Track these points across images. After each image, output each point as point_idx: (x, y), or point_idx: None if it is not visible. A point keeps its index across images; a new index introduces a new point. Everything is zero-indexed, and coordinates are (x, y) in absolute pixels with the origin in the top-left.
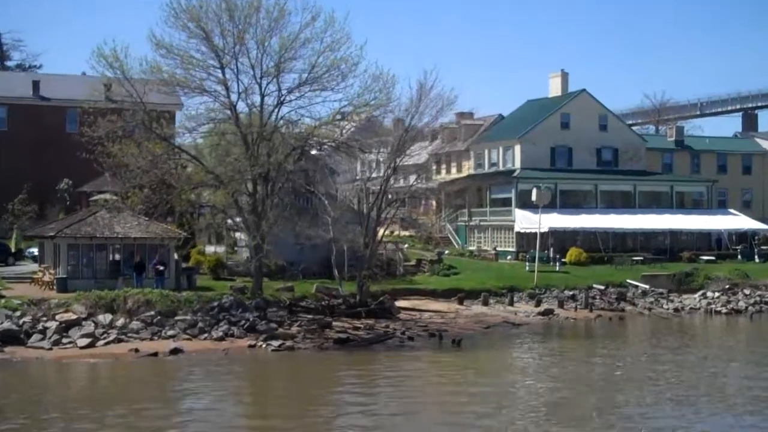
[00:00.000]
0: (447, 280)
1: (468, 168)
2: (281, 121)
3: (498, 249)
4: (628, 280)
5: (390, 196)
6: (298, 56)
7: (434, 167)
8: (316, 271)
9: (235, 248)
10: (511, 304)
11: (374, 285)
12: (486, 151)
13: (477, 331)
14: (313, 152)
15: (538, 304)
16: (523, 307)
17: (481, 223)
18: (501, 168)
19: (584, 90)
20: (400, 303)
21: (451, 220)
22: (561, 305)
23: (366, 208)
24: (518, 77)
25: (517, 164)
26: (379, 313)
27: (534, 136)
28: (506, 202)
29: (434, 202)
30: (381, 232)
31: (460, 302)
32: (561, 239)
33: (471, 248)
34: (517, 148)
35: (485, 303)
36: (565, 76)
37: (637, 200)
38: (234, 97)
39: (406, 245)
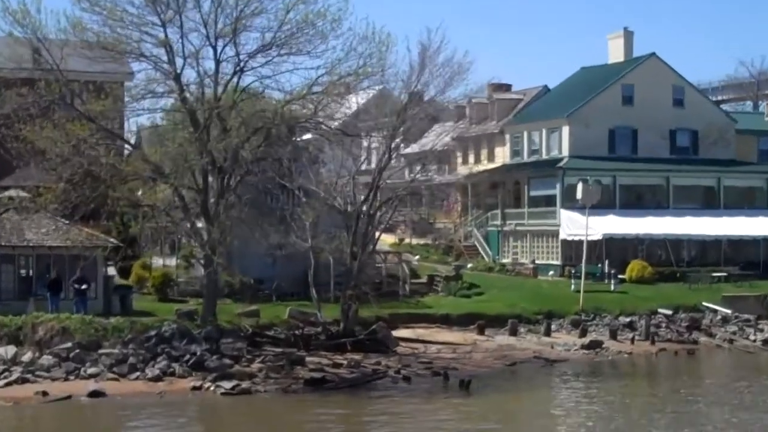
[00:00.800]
0: (466, 303)
1: (502, 156)
2: (243, 95)
3: (538, 262)
4: (705, 303)
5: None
6: (263, 10)
7: (459, 155)
8: (294, 291)
9: (192, 261)
10: (548, 334)
11: (366, 309)
12: (525, 134)
13: (497, 369)
14: (307, 136)
15: (582, 335)
16: (564, 338)
17: (518, 229)
18: (544, 156)
19: (653, 54)
20: (400, 332)
21: (480, 225)
22: (614, 336)
23: (355, 208)
24: (570, 41)
25: (565, 151)
26: (369, 346)
27: (587, 114)
28: (549, 201)
29: (458, 202)
30: (377, 239)
31: (481, 332)
32: (620, 249)
33: (505, 261)
34: (565, 131)
35: (513, 333)
36: (628, 36)
37: (723, 198)
38: (179, 62)
39: (416, 257)
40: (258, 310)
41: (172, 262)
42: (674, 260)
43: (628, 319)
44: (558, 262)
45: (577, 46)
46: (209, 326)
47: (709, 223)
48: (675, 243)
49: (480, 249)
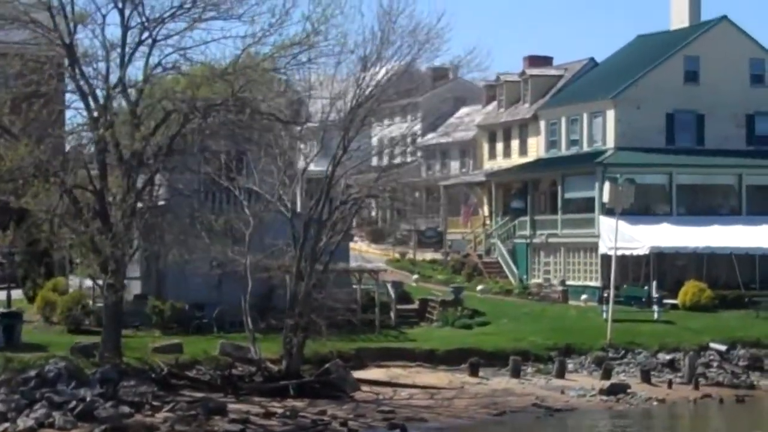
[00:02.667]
0: (463, 335)
1: (536, 148)
2: (158, 70)
3: (571, 283)
4: None
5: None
6: None
7: (486, 147)
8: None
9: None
10: (561, 375)
11: (326, 343)
12: (562, 120)
13: (477, 421)
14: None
15: (605, 376)
16: (582, 381)
17: (550, 241)
18: (585, 148)
19: (725, 17)
20: (369, 373)
21: (505, 236)
22: (646, 377)
23: (305, 214)
24: (625, 3)
25: (609, 141)
26: (320, 390)
27: (638, 94)
28: (587, 206)
29: (472, 206)
30: (331, 252)
31: (473, 372)
32: (675, 267)
33: (537, 281)
34: (610, 115)
35: (515, 373)
36: None
37: None
38: (66, 26)
39: (414, 276)
40: (180, 344)
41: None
42: (741, 281)
43: (669, 357)
44: (597, 284)
45: (635, 10)
46: (107, 365)
47: None
48: (744, 259)
49: (504, 266)
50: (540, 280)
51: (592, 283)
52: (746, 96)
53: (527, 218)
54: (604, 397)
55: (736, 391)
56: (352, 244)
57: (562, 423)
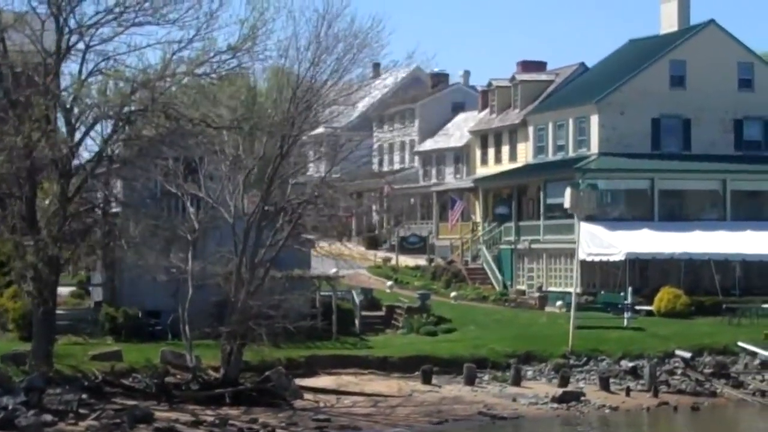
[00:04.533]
0: (424, 342)
1: (525, 153)
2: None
3: (552, 289)
4: (741, 344)
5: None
6: None
7: (478, 152)
8: (202, 326)
9: (88, 289)
10: (517, 382)
11: (261, 351)
12: (550, 126)
13: (416, 430)
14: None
15: (563, 383)
16: (540, 388)
17: (533, 247)
18: (570, 153)
19: (712, 21)
20: (319, 380)
21: (492, 242)
22: (605, 385)
23: (246, 219)
24: (619, 6)
25: (593, 147)
26: (259, 398)
27: (623, 99)
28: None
29: (457, 212)
30: (273, 257)
31: (426, 379)
32: (652, 273)
33: (521, 287)
34: (594, 121)
35: (470, 381)
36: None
37: None
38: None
39: (389, 283)
40: (119, 351)
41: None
42: (720, 287)
43: (632, 364)
44: (577, 290)
45: (632, 15)
46: (36, 372)
47: None
48: (725, 265)
49: (489, 272)
50: (524, 287)
51: (571, 289)
52: (734, 100)
53: (512, 224)
54: (556, 405)
55: (696, 399)
56: (343, 249)
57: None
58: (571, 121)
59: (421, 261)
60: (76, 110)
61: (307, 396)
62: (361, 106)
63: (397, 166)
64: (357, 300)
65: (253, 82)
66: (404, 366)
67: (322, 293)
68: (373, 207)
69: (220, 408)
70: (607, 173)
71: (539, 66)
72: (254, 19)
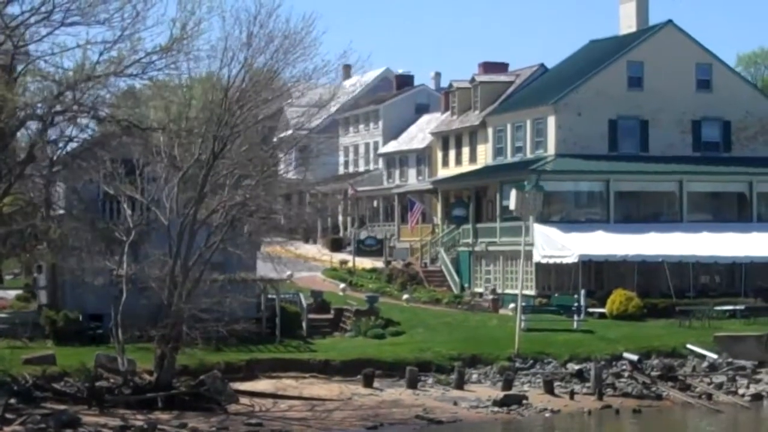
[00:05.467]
0: (370, 345)
1: (485, 154)
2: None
3: (509, 292)
4: (689, 346)
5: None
6: None
7: (439, 154)
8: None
9: (35, 292)
10: (460, 385)
11: (215, 354)
12: (508, 127)
13: None
14: None
15: (507, 386)
16: (483, 391)
17: (490, 249)
18: (528, 155)
19: (670, 22)
20: (258, 384)
21: (451, 244)
22: (549, 388)
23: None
24: (580, 7)
25: (550, 148)
26: (192, 402)
27: (579, 100)
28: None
29: (416, 214)
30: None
31: (368, 383)
32: (608, 275)
33: (479, 290)
34: (551, 122)
35: (412, 384)
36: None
37: (756, 208)
38: None
39: (342, 285)
40: (53, 355)
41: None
42: (674, 289)
43: (578, 367)
44: (532, 292)
45: (592, 14)
46: None
47: (732, 241)
48: (679, 267)
49: (447, 275)
50: (482, 289)
51: (527, 292)
52: (692, 101)
53: (470, 226)
54: (496, 409)
55: (641, 402)
56: (301, 251)
57: None
58: (528, 123)
59: (380, 263)
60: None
61: (244, 400)
62: (332, 108)
63: (362, 168)
64: (304, 303)
65: (186, 82)
66: (346, 369)
67: (270, 296)
68: (339, 209)
69: (151, 412)
70: (561, 175)
71: (501, 67)
72: (185, 19)
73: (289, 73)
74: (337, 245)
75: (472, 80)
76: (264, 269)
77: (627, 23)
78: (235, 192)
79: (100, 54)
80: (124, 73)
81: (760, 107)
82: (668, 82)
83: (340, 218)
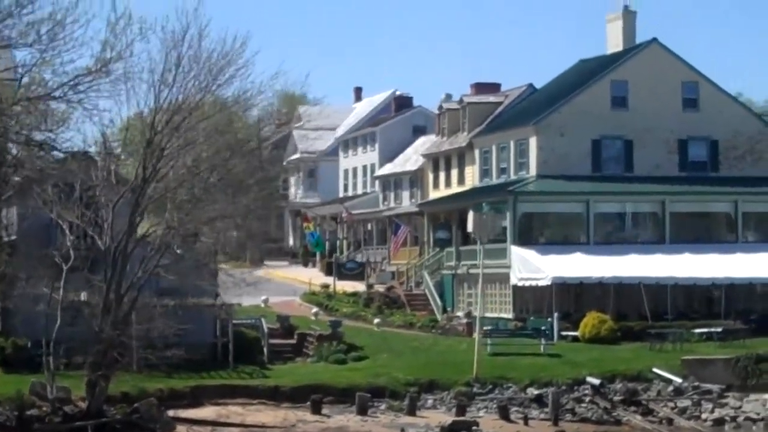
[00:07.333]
0: (329, 371)
1: (472, 176)
2: None
3: (489, 315)
4: (656, 370)
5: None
6: None
7: (430, 176)
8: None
9: None
10: (413, 411)
11: (156, 380)
12: (493, 148)
13: None
14: None
15: (460, 412)
16: (435, 417)
17: (471, 272)
18: (512, 176)
19: (655, 40)
20: (203, 411)
21: (435, 267)
22: (504, 413)
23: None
24: (569, 26)
25: (532, 169)
26: (127, 430)
27: (562, 121)
28: (501, 237)
29: (400, 237)
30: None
31: (316, 409)
32: (586, 298)
33: (460, 314)
34: (532, 143)
35: (362, 410)
36: (629, 18)
37: (741, 228)
38: None
39: (315, 309)
40: None
41: None
42: (652, 312)
43: (537, 392)
44: (510, 315)
45: (578, 33)
46: None
47: (714, 263)
48: (656, 289)
49: (430, 298)
50: (462, 313)
51: (505, 315)
52: (678, 121)
53: (453, 249)
54: None
55: (598, 428)
56: (277, 272)
57: None
58: (512, 144)
59: (363, 287)
60: None
61: (181, 428)
62: (340, 131)
63: (360, 191)
64: (265, 327)
65: (116, 105)
66: (297, 395)
67: (235, 321)
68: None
69: None
70: (540, 196)
71: (493, 88)
72: (113, 41)
73: (222, 93)
74: (331, 269)
75: (461, 101)
76: (236, 293)
77: (614, 42)
78: (163, 218)
79: (21, 76)
80: (50, 96)
81: (749, 126)
82: (654, 101)
83: (337, 242)
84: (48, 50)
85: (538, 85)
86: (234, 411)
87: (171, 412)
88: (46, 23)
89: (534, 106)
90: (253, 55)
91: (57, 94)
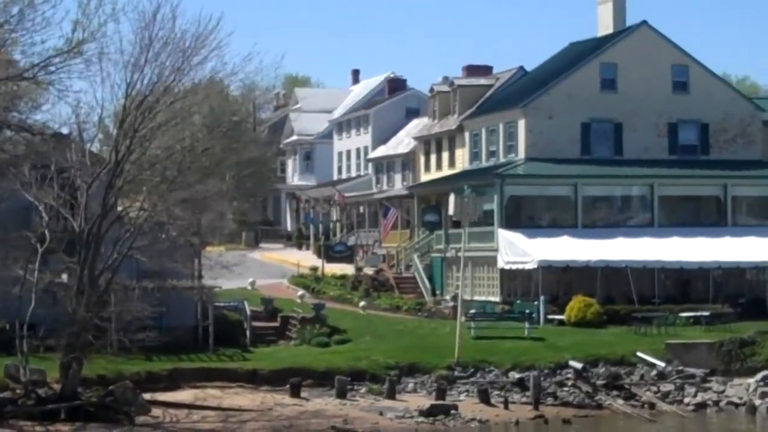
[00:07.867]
0: (306, 354)
1: (462, 159)
2: None
3: (477, 298)
4: (639, 354)
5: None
6: None
7: (422, 159)
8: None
9: None
10: (392, 395)
11: (134, 363)
12: (483, 131)
13: None
14: None
15: (440, 396)
16: (415, 401)
17: (459, 255)
18: (501, 159)
19: (644, 23)
20: (181, 394)
21: (425, 250)
22: (485, 397)
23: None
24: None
25: (521, 152)
26: (98, 413)
27: (551, 103)
28: (489, 219)
29: (388, 220)
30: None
31: (295, 392)
32: (573, 281)
33: (448, 296)
34: (521, 125)
35: (341, 394)
36: (619, 1)
37: (730, 212)
38: None
39: (301, 292)
40: None
41: None
42: (639, 295)
43: (519, 376)
44: (497, 299)
45: (571, 16)
46: None
47: (701, 246)
48: (643, 273)
49: (419, 281)
50: (449, 296)
51: (493, 298)
52: (668, 104)
53: (442, 232)
54: (422, 419)
55: (579, 412)
56: (272, 254)
57: None
58: (501, 127)
59: (352, 270)
60: None
61: (157, 411)
62: (336, 113)
63: (354, 174)
64: (248, 310)
65: (91, 86)
66: (275, 379)
67: (218, 304)
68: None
69: (53, 424)
70: (528, 179)
71: (485, 70)
72: (86, 22)
73: (195, 75)
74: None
75: (451, 84)
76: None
77: (605, 24)
78: (136, 199)
79: None
80: (22, 76)
81: (739, 109)
82: (643, 84)
83: (331, 225)
84: (17, 30)
85: (531, 68)
86: (212, 394)
87: (148, 395)
88: (17, 3)
89: (524, 89)
90: (227, 35)
91: (27, 75)
